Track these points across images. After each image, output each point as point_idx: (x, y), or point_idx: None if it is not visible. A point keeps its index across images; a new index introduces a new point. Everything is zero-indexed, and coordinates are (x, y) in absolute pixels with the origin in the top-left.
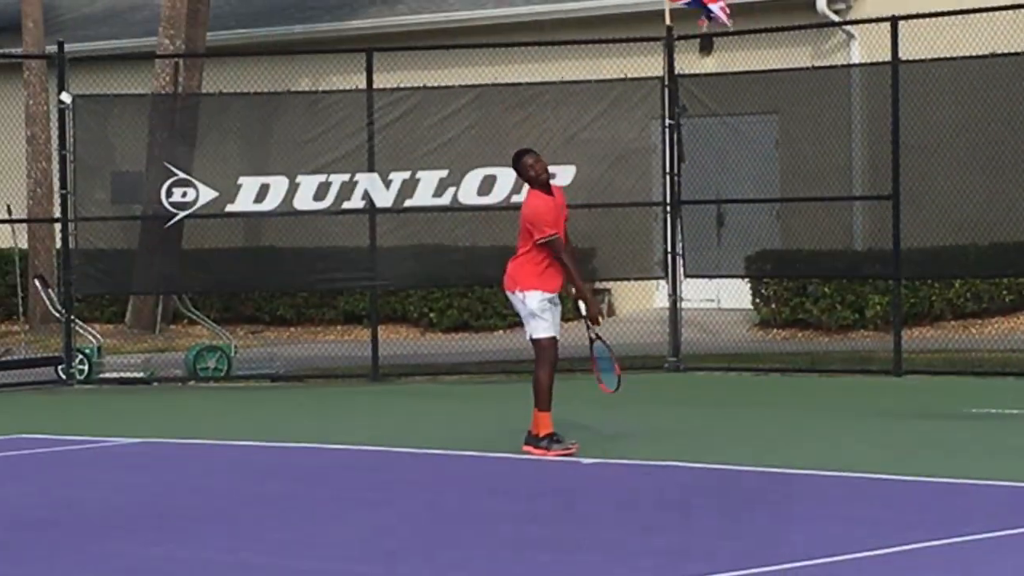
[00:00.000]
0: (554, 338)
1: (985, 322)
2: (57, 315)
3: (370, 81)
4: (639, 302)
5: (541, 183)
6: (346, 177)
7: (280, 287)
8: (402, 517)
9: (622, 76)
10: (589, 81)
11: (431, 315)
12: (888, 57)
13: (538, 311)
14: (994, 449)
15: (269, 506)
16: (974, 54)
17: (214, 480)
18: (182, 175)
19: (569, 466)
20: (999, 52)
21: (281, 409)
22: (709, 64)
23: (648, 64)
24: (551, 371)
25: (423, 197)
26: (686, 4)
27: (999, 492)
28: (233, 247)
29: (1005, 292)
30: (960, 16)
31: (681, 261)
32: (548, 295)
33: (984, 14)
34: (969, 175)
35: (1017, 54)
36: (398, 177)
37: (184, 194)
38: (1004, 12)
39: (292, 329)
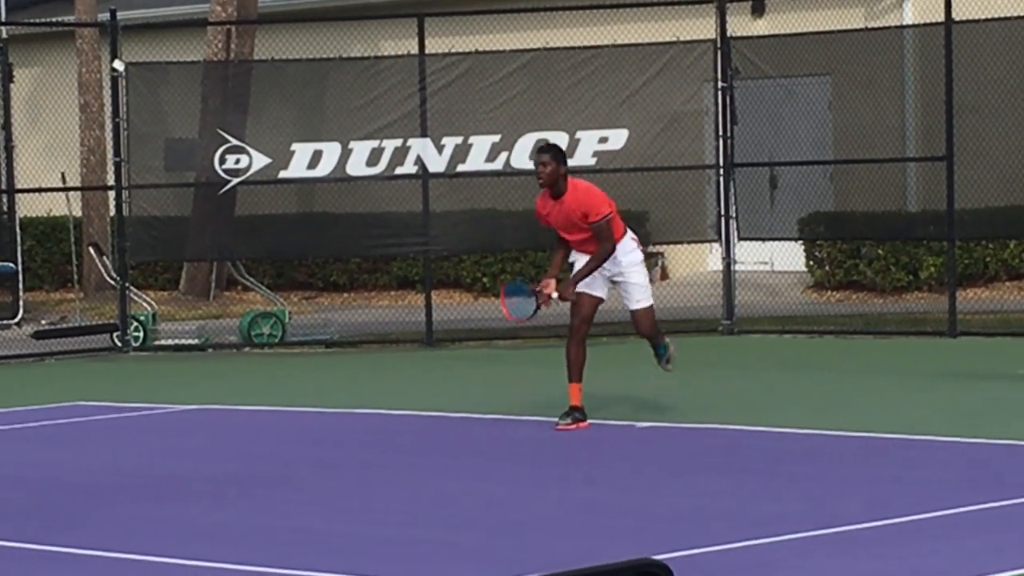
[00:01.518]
0: (580, 293)
1: None
2: (112, 282)
3: (422, 46)
4: (693, 265)
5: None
6: (399, 142)
7: (333, 253)
8: (463, 482)
9: (674, 39)
10: (641, 44)
11: (484, 280)
12: (941, 18)
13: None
14: None
15: (328, 471)
16: None
17: (272, 446)
18: (235, 142)
19: (624, 430)
20: None
21: (336, 375)
22: (761, 26)
23: (700, 27)
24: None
25: (476, 162)
26: None
27: None
28: (286, 213)
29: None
30: None
31: (735, 224)
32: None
33: None
34: (1022, 135)
35: None
36: (450, 142)
37: (237, 161)
38: None
39: (345, 295)
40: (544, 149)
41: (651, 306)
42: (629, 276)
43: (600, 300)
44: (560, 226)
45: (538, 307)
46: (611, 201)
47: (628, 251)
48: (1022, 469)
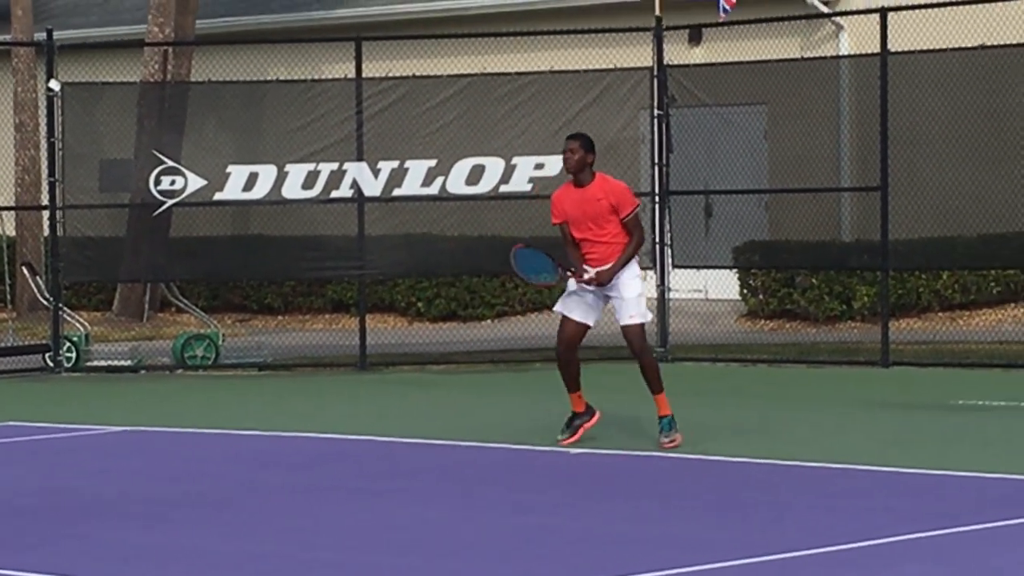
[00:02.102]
0: (563, 316)
1: (972, 313)
2: (45, 303)
3: (359, 70)
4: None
5: (570, 175)
6: (335, 166)
7: (268, 276)
8: (397, 507)
9: (611, 67)
10: (578, 71)
11: (419, 304)
12: (877, 48)
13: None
14: (980, 441)
15: (260, 495)
16: (963, 46)
17: (204, 468)
18: (171, 163)
19: (559, 456)
20: (988, 44)
21: (269, 398)
22: (698, 55)
23: (637, 54)
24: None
25: (411, 186)
26: None
27: (985, 484)
28: (221, 235)
29: (993, 284)
30: (949, 8)
31: (669, 251)
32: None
33: (973, 6)
34: (957, 167)
35: (1006, 46)
36: (386, 166)
37: (172, 182)
38: (993, 4)
39: (280, 318)
40: (574, 136)
41: (643, 324)
42: (622, 290)
43: (586, 327)
44: (578, 219)
45: (563, 278)
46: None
47: (631, 264)
48: (954, 499)
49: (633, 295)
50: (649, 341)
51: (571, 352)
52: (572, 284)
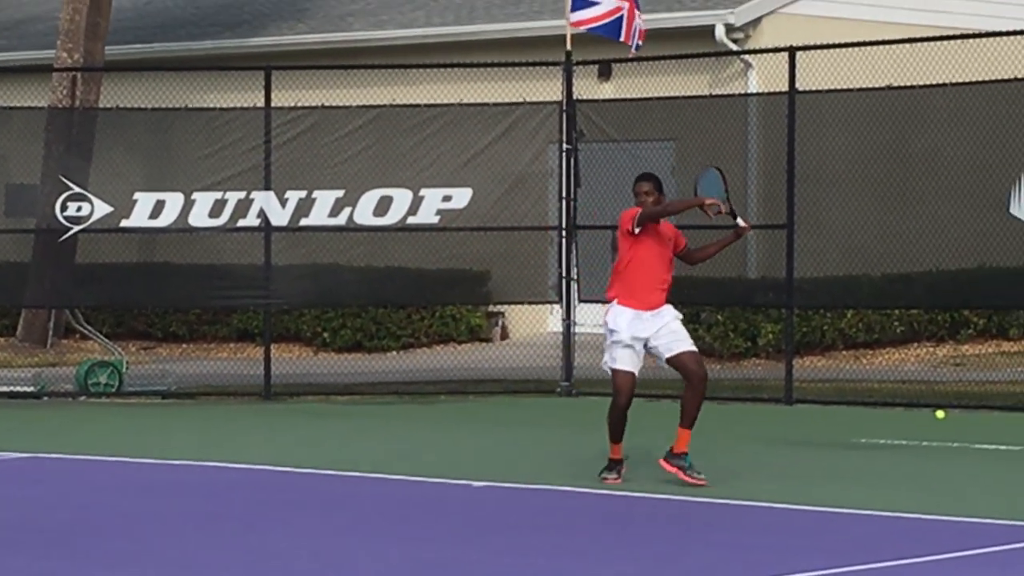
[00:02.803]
0: (619, 370)
1: (876, 352)
2: None
3: (268, 99)
4: (533, 326)
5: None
6: (242, 195)
7: (173, 303)
8: (297, 538)
9: (521, 100)
10: (487, 104)
11: (324, 334)
12: (785, 87)
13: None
14: (880, 479)
15: (162, 524)
16: (870, 86)
17: (105, 497)
18: (77, 189)
19: (460, 488)
20: (895, 85)
21: (171, 426)
22: (607, 90)
23: (547, 88)
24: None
25: (319, 216)
26: (591, 29)
27: (882, 523)
28: (127, 262)
29: (896, 323)
30: (857, 48)
31: (576, 286)
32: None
33: (881, 47)
34: (863, 206)
35: (912, 87)
36: (294, 196)
37: (79, 208)
38: (900, 45)
39: (185, 346)
40: (645, 177)
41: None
42: (671, 323)
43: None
44: (656, 243)
45: (721, 211)
46: None
47: (670, 307)
48: (853, 537)
49: (682, 325)
50: (556, 375)
51: (628, 402)
52: (622, 336)
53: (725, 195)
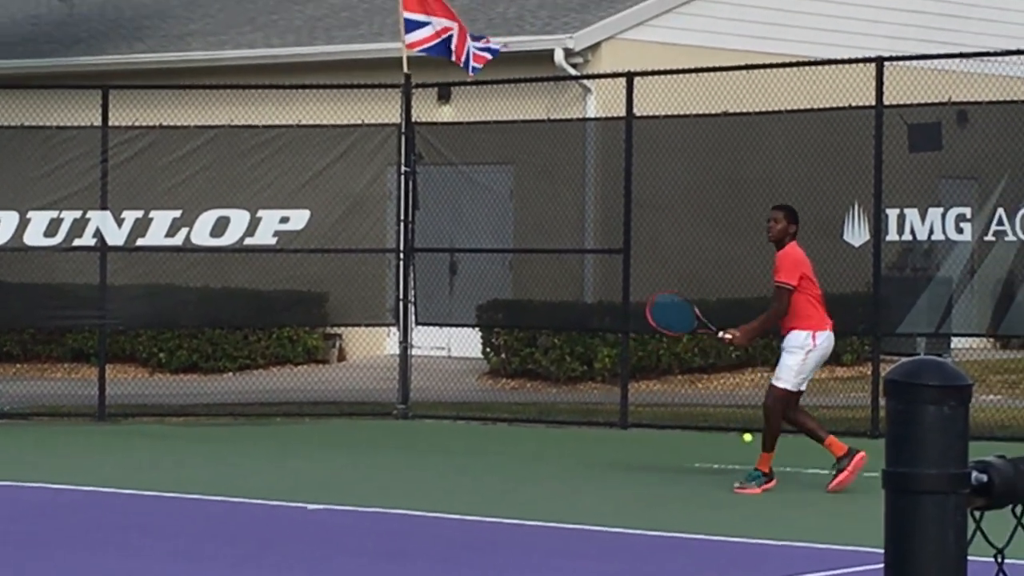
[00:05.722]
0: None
1: (711, 377)
2: None
3: (105, 118)
4: (370, 348)
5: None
6: (78, 214)
7: (7, 323)
8: (122, 560)
9: (359, 122)
10: (326, 126)
11: (160, 355)
12: (623, 112)
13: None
14: (712, 504)
15: None
16: (707, 112)
17: None
18: None
19: (295, 511)
20: (731, 111)
21: (4, 447)
22: (446, 113)
23: (385, 111)
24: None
25: (156, 236)
26: (423, 50)
27: (713, 547)
28: None
29: (731, 348)
30: (694, 75)
31: (413, 308)
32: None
33: (717, 74)
34: (699, 232)
35: (747, 114)
36: (131, 216)
37: None
38: (737, 72)
39: (18, 365)
40: (779, 207)
41: (784, 389)
42: (783, 357)
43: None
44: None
45: (697, 328)
46: (803, 277)
47: (793, 335)
48: (684, 561)
49: (789, 363)
50: (393, 398)
51: (793, 412)
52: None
53: (694, 318)
